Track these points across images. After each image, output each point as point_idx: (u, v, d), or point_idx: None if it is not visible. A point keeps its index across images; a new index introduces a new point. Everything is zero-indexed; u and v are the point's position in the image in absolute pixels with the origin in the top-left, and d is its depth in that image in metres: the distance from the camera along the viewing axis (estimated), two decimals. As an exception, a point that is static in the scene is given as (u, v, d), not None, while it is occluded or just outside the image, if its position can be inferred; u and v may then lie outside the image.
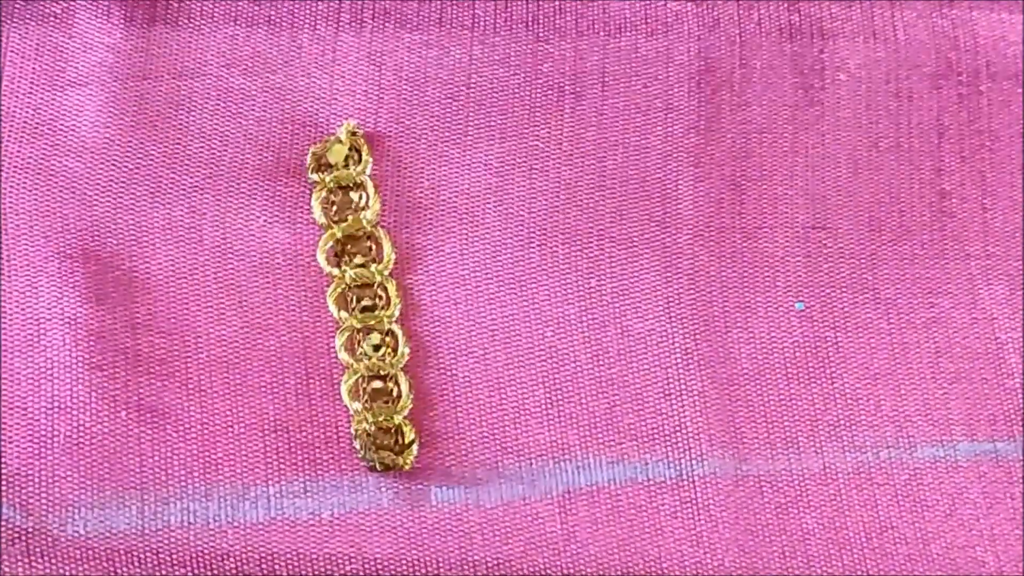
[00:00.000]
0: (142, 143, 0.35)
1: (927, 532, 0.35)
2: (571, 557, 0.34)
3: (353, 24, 0.36)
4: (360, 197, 0.35)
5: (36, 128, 0.35)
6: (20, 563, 0.33)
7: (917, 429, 0.36)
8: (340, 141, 0.35)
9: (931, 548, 0.35)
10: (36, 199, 0.35)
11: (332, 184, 0.35)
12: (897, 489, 0.35)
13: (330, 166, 0.35)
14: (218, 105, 0.36)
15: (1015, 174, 0.38)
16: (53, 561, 0.33)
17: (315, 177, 0.35)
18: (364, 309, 0.35)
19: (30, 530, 0.33)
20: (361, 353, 0.34)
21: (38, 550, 0.33)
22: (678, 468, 0.35)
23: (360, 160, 0.35)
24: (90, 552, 0.33)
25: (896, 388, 0.36)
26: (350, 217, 0.35)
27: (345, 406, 0.34)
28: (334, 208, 0.35)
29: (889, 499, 0.35)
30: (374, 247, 0.35)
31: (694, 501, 0.34)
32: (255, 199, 0.35)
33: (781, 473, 0.35)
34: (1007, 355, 0.36)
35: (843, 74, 0.38)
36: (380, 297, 0.35)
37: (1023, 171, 0.38)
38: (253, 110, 0.36)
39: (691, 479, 0.35)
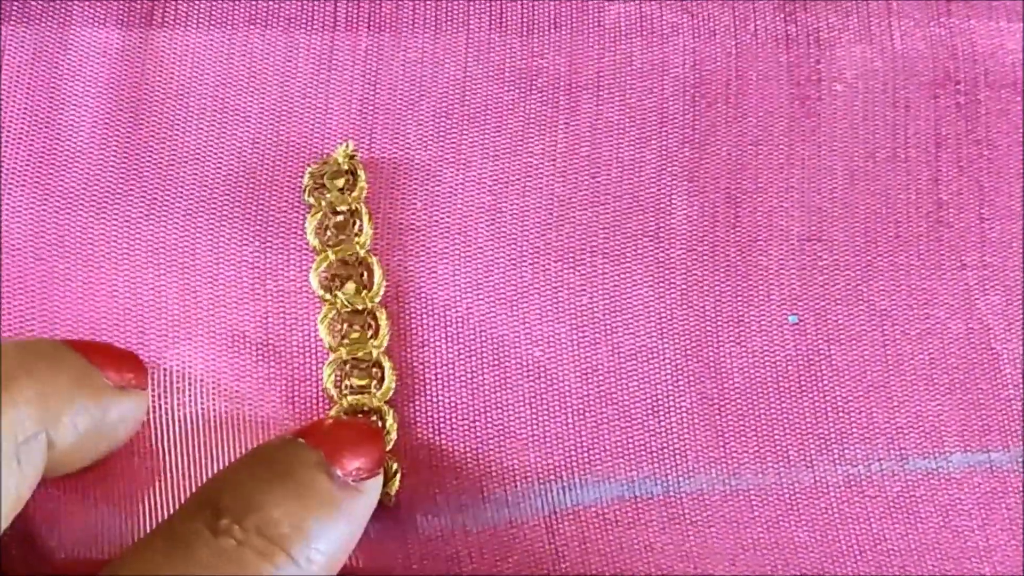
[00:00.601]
0: (136, 164, 0.36)
1: (921, 544, 0.35)
2: (559, 575, 0.34)
3: (348, 36, 0.37)
4: (354, 224, 0.35)
5: (32, 143, 0.36)
6: (20, 564, 0.33)
7: (909, 441, 0.36)
8: (338, 163, 0.35)
9: (925, 560, 0.35)
10: (32, 216, 0.35)
11: (327, 208, 0.35)
12: (889, 501, 0.35)
13: (326, 189, 0.35)
14: (212, 125, 0.36)
15: (1013, 183, 0.37)
16: (53, 562, 0.33)
17: (311, 200, 0.35)
18: (353, 338, 0.35)
19: (31, 534, 0.33)
20: (347, 388, 0.35)
21: (38, 555, 0.33)
22: (665, 485, 0.35)
23: (355, 185, 0.35)
24: (88, 561, 0.33)
25: (889, 400, 0.36)
26: (344, 242, 0.35)
27: None
28: (328, 233, 0.35)
29: (881, 512, 0.35)
30: (366, 274, 0.35)
31: (682, 517, 0.35)
32: (248, 223, 0.36)
33: (771, 487, 0.35)
34: (1003, 366, 0.36)
35: (840, 84, 0.37)
36: (370, 325, 0.35)
37: (1021, 180, 0.37)
38: (247, 130, 0.36)
39: (679, 495, 0.35)
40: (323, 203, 0.35)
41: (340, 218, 0.35)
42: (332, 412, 0.34)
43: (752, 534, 0.35)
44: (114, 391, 0.32)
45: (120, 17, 0.37)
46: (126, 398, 0.32)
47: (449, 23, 0.37)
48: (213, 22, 0.37)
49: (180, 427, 0.34)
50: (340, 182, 0.35)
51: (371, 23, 0.37)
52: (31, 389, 0.30)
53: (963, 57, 0.38)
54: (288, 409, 0.35)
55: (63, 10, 0.37)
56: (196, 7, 0.37)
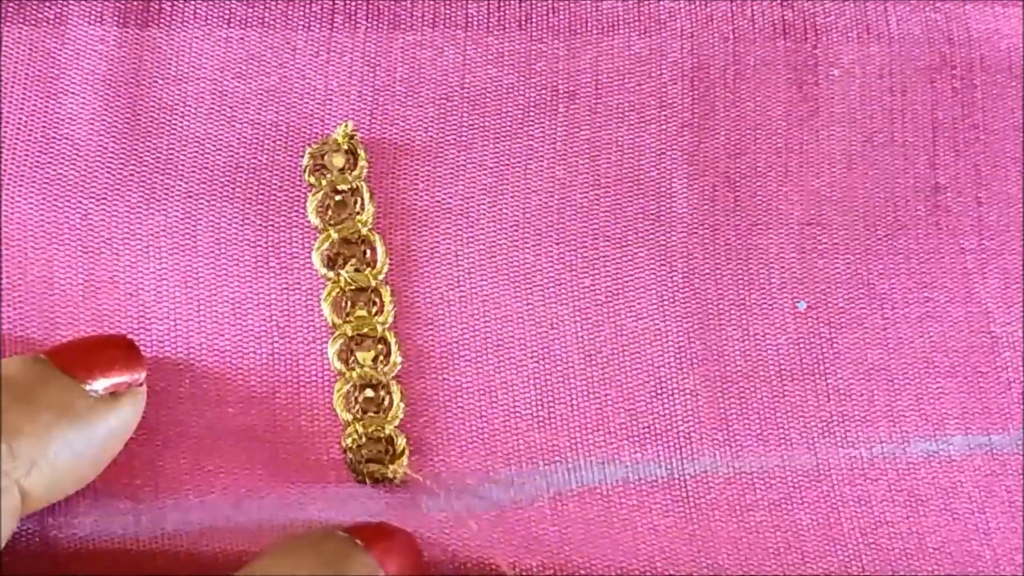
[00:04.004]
0: (136, 150, 0.36)
1: (922, 527, 0.35)
2: (564, 559, 0.34)
3: (347, 25, 0.37)
4: (356, 202, 0.35)
5: (31, 135, 0.35)
6: (20, 563, 0.33)
7: (910, 424, 0.36)
8: (338, 143, 0.35)
9: (926, 543, 0.35)
10: (32, 207, 0.35)
11: (328, 188, 0.35)
12: (891, 484, 0.35)
13: (327, 168, 0.35)
14: (212, 109, 0.36)
15: (1010, 168, 0.37)
16: (53, 562, 0.33)
17: (311, 180, 0.35)
18: (358, 315, 0.35)
19: (31, 531, 0.33)
20: (353, 362, 0.34)
21: (38, 551, 0.33)
22: (669, 467, 0.35)
23: (356, 164, 0.35)
24: (88, 554, 0.33)
25: (890, 383, 0.36)
26: (346, 221, 0.35)
27: (336, 415, 0.34)
28: (329, 212, 0.35)
29: (883, 494, 0.35)
30: (368, 251, 0.35)
31: (686, 499, 0.35)
32: (250, 204, 0.35)
33: (774, 470, 0.35)
34: (1002, 349, 0.36)
35: (836, 69, 0.37)
36: (374, 303, 0.35)
37: (1018, 164, 0.37)
38: (247, 113, 0.36)
39: (682, 478, 0.35)
40: (324, 183, 0.35)
41: (340, 197, 0.35)
42: (338, 386, 0.34)
43: (755, 517, 0.35)
44: (101, 407, 0.31)
45: (117, 16, 0.36)
46: (115, 412, 0.32)
47: (447, 10, 0.37)
48: (211, 19, 0.36)
49: (185, 409, 0.34)
50: (340, 161, 0.35)
51: (368, 18, 0.37)
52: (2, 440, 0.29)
53: (959, 42, 0.38)
54: (294, 386, 0.35)
55: (60, 10, 0.36)
56: (193, 7, 0.36)
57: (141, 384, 0.33)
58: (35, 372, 0.31)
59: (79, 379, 0.31)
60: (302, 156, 0.36)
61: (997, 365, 0.36)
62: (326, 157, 0.35)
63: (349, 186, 0.35)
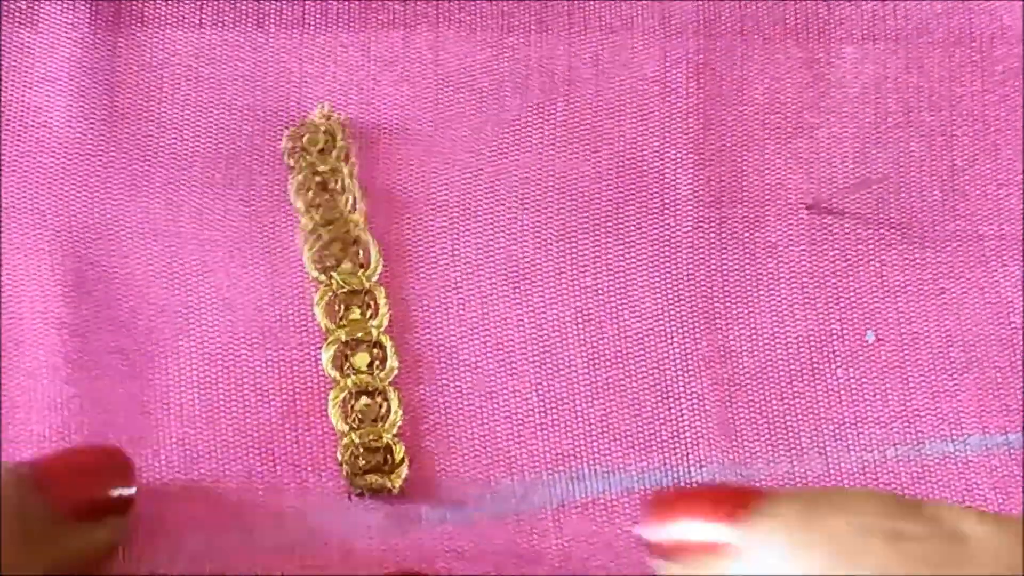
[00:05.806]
0: (115, 137, 0.35)
1: (937, 531, 0.34)
2: (567, 572, 0.33)
3: (342, 22, 0.36)
4: (336, 182, 0.35)
5: (7, 126, 0.35)
6: None
7: (925, 424, 0.35)
8: (315, 125, 0.35)
9: (941, 547, 0.34)
10: (13, 198, 0.34)
11: (308, 169, 0.35)
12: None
13: (306, 150, 0.35)
14: (188, 95, 0.35)
15: (1031, 147, 0.36)
16: None
17: (291, 162, 0.35)
18: (352, 319, 0.34)
19: None
20: (348, 368, 0.34)
21: None
22: (675, 475, 0.34)
23: (335, 145, 0.35)
24: None
25: (904, 381, 0.35)
26: (337, 220, 0.34)
27: (332, 425, 0.34)
28: (310, 194, 0.35)
29: None
30: (361, 252, 0.34)
31: None
32: (231, 189, 0.35)
33: (783, 476, 0.34)
34: (1023, 341, 0.35)
35: (849, 46, 0.36)
36: (368, 306, 0.34)
37: (1041, 144, 0.36)
38: (223, 99, 0.35)
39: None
40: (304, 164, 0.35)
41: (321, 178, 0.35)
42: (333, 394, 0.33)
43: None
44: (82, 533, 0.29)
45: (89, 2, 0.36)
46: (95, 535, 0.30)
47: (447, 4, 0.36)
48: (184, 11, 0.36)
49: (177, 422, 0.34)
50: (319, 143, 0.35)
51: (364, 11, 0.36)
52: None
53: (978, 11, 0.37)
54: (289, 394, 0.34)
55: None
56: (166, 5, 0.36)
57: (130, 500, 0.30)
58: (19, 493, 0.28)
59: (61, 497, 0.29)
60: (280, 140, 0.35)
61: (1017, 359, 0.35)
62: (305, 139, 0.35)
63: (328, 167, 0.35)
